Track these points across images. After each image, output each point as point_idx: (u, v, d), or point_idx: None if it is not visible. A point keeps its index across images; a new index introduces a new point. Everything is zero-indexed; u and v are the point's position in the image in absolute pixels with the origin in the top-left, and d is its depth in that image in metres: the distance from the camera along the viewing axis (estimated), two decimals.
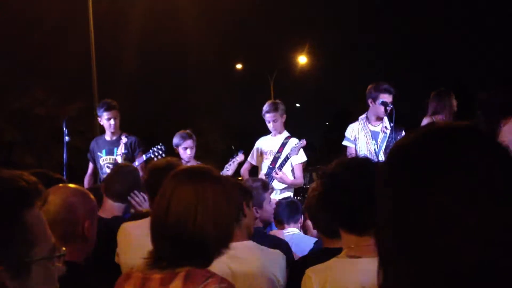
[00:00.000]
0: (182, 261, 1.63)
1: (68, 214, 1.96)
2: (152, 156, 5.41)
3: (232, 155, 5.67)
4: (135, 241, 2.61)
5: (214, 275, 1.62)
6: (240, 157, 5.44)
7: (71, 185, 2.16)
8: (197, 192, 1.66)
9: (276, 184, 5.31)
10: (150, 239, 1.70)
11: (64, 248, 1.15)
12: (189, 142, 5.38)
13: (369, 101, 5.14)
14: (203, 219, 1.63)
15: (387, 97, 5.01)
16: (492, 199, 0.72)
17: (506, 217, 0.72)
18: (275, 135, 5.49)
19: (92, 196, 2.10)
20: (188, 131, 5.54)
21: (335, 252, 1.99)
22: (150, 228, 1.71)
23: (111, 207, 3.40)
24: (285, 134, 5.47)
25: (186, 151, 5.38)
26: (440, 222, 0.72)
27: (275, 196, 5.28)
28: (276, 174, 5.21)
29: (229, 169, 5.40)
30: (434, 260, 0.72)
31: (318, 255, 2.33)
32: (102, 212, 3.40)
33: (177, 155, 5.50)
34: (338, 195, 1.90)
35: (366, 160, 2.07)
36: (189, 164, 5.38)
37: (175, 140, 5.44)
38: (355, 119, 5.40)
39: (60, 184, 2.17)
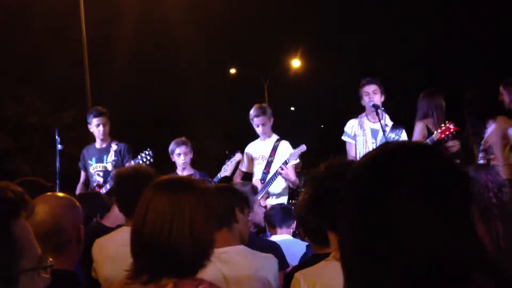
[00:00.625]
0: (162, 273, 1.59)
1: (57, 224, 1.93)
2: (140, 161, 5.42)
3: (227, 158, 5.67)
4: (109, 254, 2.61)
5: (203, 281, 1.61)
6: (237, 156, 5.46)
7: (59, 194, 2.15)
8: (173, 203, 1.63)
9: (273, 189, 5.30)
10: (130, 251, 1.68)
11: (51, 259, 1.14)
12: (183, 148, 5.39)
13: (361, 100, 5.21)
14: (179, 230, 1.60)
15: (369, 88, 5.06)
16: (432, 210, 0.86)
17: (441, 225, 0.86)
18: (264, 139, 5.48)
19: (78, 204, 2.09)
20: (183, 138, 5.56)
21: (325, 257, 2.00)
22: (130, 240, 1.68)
23: (117, 215, 3.40)
24: (275, 137, 5.47)
25: (180, 157, 5.38)
26: (394, 225, 0.86)
27: (271, 201, 5.28)
28: (282, 169, 5.16)
29: (226, 170, 5.41)
30: (393, 257, 0.86)
31: (309, 262, 2.32)
32: (106, 220, 3.40)
33: (173, 162, 5.52)
34: (326, 198, 1.89)
35: (352, 163, 2.07)
36: (185, 172, 5.40)
37: (170, 147, 5.48)
38: (355, 117, 5.42)
39: (48, 193, 2.15)
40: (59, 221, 1.94)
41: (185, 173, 5.35)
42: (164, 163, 5.84)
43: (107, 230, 3.16)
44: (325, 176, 1.96)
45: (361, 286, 0.90)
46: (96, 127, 5.53)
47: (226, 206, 2.39)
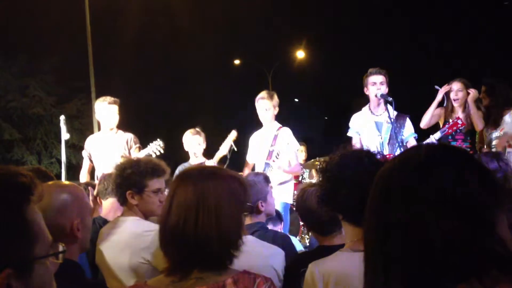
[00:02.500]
0: (192, 266, 1.56)
1: (57, 213, 1.90)
2: (151, 152, 5.40)
3: (229, 150, 5.68)
4: (112, 242, 2.64)
5: (257, 275, 1.61)
6: (232, 133, 5.63)
7: (63, 182, 2.12)
8: (197, 192, 1.59)
9: (274, 178, 5.28)
10: (160, 245, 1.65)
11: (63, 245, 1.10)
12: (197, 138, 5.56)
13: (365, 89, 5.19)
14: (205, 220, 1.56)
15: (377, 78, 5.06)
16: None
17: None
18: (266, 128, 5.47)
19: (83, 194, 2.05)
20: (197, 128, 5.70)
21: (332, 249, 1.98)
22: (159, 233, 1.66)
23: (107, 208, 3.40)
24: (276, 125, 5.44)
25: (193, 147, 5.54)
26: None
27: (275, 190, 5.28)
28: (274, 161, 5.18)
29: (222, 148, 5.58)
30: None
31: (316, 253, 2.30)
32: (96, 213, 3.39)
33: (186, 152, 5.59)
34: (342, 187, 1.86)
35: (368, 152, 2.02)
36: (198, 161, 5.45)
37: (184, 137, 5.61)
38: (356, 112, 5.40)
39: (51, 182, 2.13)
40: (55, 214, 1.90)
41: (197, 162, 5.45)
42: (166, 153, 5.85)
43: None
44: (341, 165, 1.92)
45: (386, 279, 0.94)
46: (106, 116, 5.50)
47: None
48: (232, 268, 1.65)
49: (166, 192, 2.47)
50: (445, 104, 5.56)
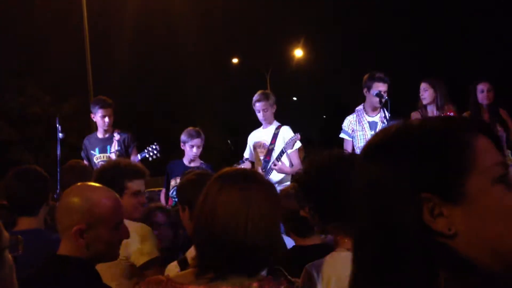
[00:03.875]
0: (229, 270, 1.53)
1: (63, 213, 1.92)
2: (147, 155, 5.37)
3: (230, 150, 5.64)
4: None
5: (282, 281, 1.58)
6: (246, 164, 5.39)
7: (92, 185, 2.04)
8: (245, 197, 1.55)
9: (273, 177, 5.28)
10: (194, 246, 1.62)
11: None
12: (197, 141, 5.25)
13: (364, 90, 5.16)
14: (254, 225, 1.52)
15: (381, 86, 5.03)
16: None
17: None
18: (265, 127, 5.45)
19: (104, 202, 1.93)
20: (197, 128, 5.43)
21: (308, 249, 1.97)
22: (193, 235, 1.62)
23: None
24: (275, 124, 5.42)
25: (192, 149, 5.25)
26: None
27: None
28: (275, 165, 5.16)
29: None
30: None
31: (295, 252, 2.31)
32: None
33: (182, 151, 5.46)
34: (329, 202, 1.83)
35: (341, 155, 2.01)
36: (193, 163, 5.34)
37: (183, 136, 5.33)
38: (353, 111, 5.38)
39: (89, 183, 2.07)
40: (61, 212, 1.93)
41: (192, 164, 5.29)
42: (163, 153, 5.80)
43: None
44: (320, 179, 1.89)
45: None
46: (101, 118, 5.47)
47: None
48: (278, 278, 1.62)
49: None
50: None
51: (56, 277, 1.87)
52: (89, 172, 3.73)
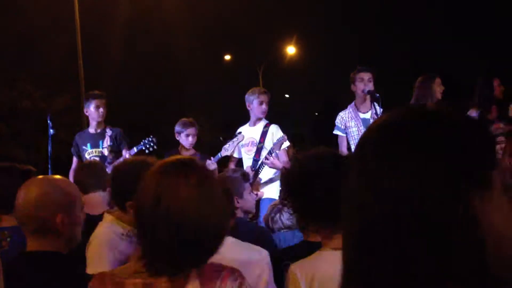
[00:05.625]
0: (179, 261, 1.51)
1: (37, 207, 1.91)
2: (144, 148, 5.37)
3: (225, 142, 5.62)
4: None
5: (224, 266, 1.58)
6: (240, 137, 5.30)
7: (50, 176, 2.11)
8: (193, 185, 1.52)
9: (264, 175, 5.27)
10: (137, 238, 1.59)
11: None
12: (191, 130, 5.39)
13: (352, 86, 5.22)
14: (204, 214, 1.50)
15: (365, 75, 5.10)
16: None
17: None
18: (253, 124, 5.41)
19: (70, 188, 2.02)
20: (190, 119, 5.55)
21: (315, 245, 1.96)
22: (135, 226, 1.59)
23: (93, 202, 3.36)
24: (264, 121, 5.40)
25: (188, 138, 5.38)
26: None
27: (264, 188, 5.27)
28: (267, 159, 5.13)
29: (227, 149, 5.30)
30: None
31: (299, 248, 2.29)
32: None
33: (177, 142, 5.49)
34: (312, 199, 1.83)
35: (326, 152, 2.00)
36: (188, 153, 5.39)
37: (177, 127, 5.43)
38: (345, 108, 5.41)
39: (40, 176, 2.11)
40: (34, 207, 1.91)
41: (187, 154, 5.34)
42: (159, 148, 5.81)
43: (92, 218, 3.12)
44: (303, 175, 1.87)
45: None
46: (95, 109, 5.48)
47: None
48: (217, 263, 1.62)
49: None
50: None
51: (33, 277, 1.88)
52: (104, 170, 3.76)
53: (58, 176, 2.12)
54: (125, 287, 1.52)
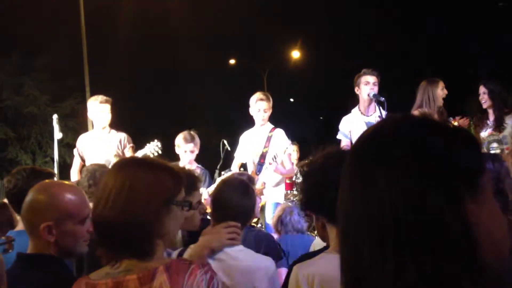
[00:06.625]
0: (117, 253, 1.61)
1: (29, 211, 1.96)
2: (148, 152, 5.37)
3: (223, 149, 5.61)
4: None
5: (193, 261, 1.61)
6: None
7: (56, 182, 2.11)
8: (116, 177, 1.63)
9: (267, 180, 5.28)
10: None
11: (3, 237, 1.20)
12: (190, 146, 5.19)
13: (356, 89, 5.22)
14: (115, 201, 1.59)
15: (369, 78, 5.11)
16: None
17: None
18: (259, 128, 5.42)
19: (67, 200, 1.97)
20: (192, 132, 5.38)
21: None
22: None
23: None
24: (269, 126, 5.40)
25: (186, 154, 5.19)
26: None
27: (268, 192, 5.29)
28: (271, 164, 5.13)
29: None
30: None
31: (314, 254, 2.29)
32: None
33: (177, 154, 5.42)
34: (328, 190, 1.83)
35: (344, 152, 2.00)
36: (187, 167, 5.30)
37: (178, 140, 5.29)
38: (349, 113, 5.42)
39: (48, 180, 2.14)
40: (27, 210, 1.97)
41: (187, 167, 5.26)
42: (163, 154, 5.82)
43: None
44: (324, 168, 1.87)
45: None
46: (100, 113, 5.49)
47: None
48: (166, 257, 1.68)
49: None
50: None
51: (21, 277, 1.88)
52: None
53: (68, 183, 2.11)
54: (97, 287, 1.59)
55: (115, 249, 1.61)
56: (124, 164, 1.71)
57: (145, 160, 1.75)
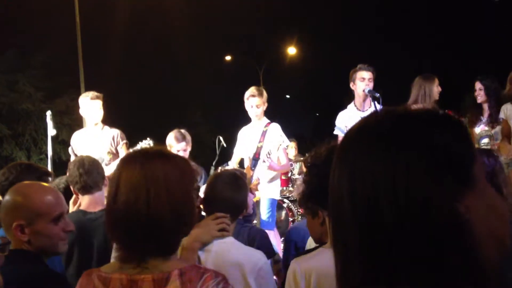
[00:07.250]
0: (143, 250, 1.53)
1: (4, 211, 2.00)
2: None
3: (218, 146, 5.62)
4: None
5: (207, 269, 1.58)
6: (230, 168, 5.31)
7: (33, 184, 2.12)
8: (145, 170, 1.54)
9: (263, 175, 5.27)
10: (107, 230, 1.62)
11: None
12: (182, 145, 5.22)
13: (351, 84, 5.23)
14: (156, 198, 1.51)
15: (365, 74, 5.12)
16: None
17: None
18: (255, 124, 5.43)
19: (41, 200, 2.00)
20: (182, 131, 5.36)
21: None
22: (105, 219, 1.63)
23: (96, 199, 3.38)
24: (264, 121, 5.40)
25: (178, 153, 5.15)
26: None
27: (263, 187, 5.28)
28: (264, 162, 5.14)
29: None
30: None
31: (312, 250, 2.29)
32: (85, 205, 3.36)
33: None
34: (328, 179, 1.83)
35: None
36: None
37: (169, 140, 5.29)
38: (345, 108, 5.43)
39: (26, 182, 2.18)
40: (2, 211, 2.01)
41: None
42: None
43: (89, 215, 3.18)
44: (328, 160, 1.88)
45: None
46: (92, 110, 5.44)
47: None
48: (181, 260, 1.65)
49: None
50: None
51: None
52: None
53: (42, 184, 2.14)
54: (111, 282, 1.54)
55: (141, 247, 1.53)
56: (143, 157, 1.61)
57: (162, 152, 1.65)
